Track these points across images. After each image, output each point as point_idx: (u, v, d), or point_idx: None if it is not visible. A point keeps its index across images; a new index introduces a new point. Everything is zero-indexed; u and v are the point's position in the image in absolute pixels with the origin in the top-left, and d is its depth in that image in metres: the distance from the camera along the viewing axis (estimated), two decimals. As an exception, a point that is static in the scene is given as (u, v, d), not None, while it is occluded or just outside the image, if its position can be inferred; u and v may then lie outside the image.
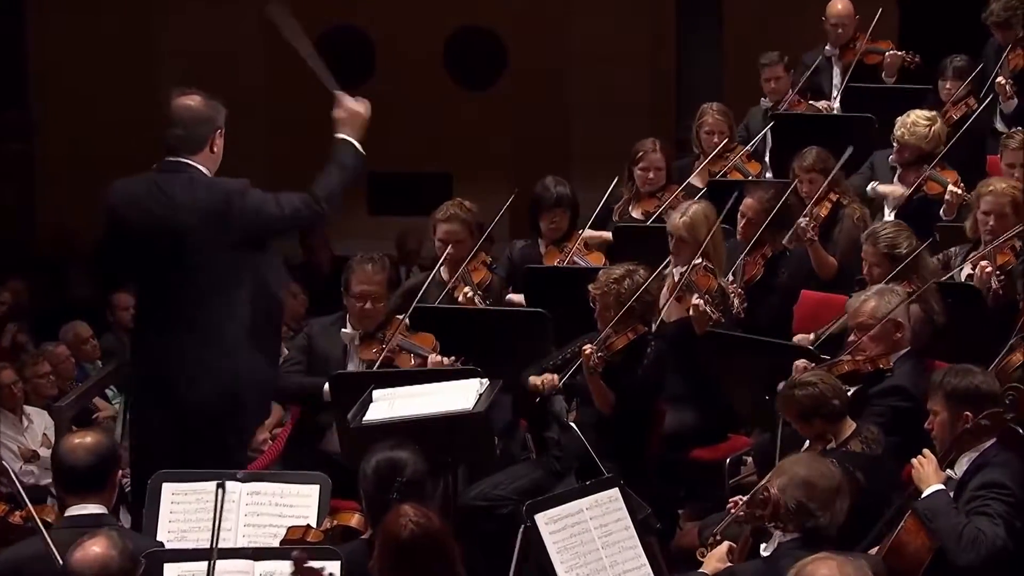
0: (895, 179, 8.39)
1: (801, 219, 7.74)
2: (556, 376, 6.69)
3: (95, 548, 4.56)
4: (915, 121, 8.27)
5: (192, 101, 6.22)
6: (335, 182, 6.21)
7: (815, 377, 6.04)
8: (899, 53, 9.53)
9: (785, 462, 5.34)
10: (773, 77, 9.70)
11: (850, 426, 5.97)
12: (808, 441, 5.99)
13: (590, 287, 6.72)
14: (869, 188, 8.44)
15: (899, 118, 8.34)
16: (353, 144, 6.29)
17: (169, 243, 6.04)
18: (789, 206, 7.81)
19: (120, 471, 5.29)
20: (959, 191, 7.98)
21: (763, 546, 5.30)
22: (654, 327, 6.94)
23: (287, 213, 6.12)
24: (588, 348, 6.56)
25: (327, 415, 6.66)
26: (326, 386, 6.67)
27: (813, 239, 7.73)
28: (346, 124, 6.32)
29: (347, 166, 6.27)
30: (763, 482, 5.26)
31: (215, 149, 6.21)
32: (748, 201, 7.73)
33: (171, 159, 6.14)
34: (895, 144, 8.32)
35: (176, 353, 6.06)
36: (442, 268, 7.47)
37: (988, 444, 5.60)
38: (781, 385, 6.14)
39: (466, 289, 7.29)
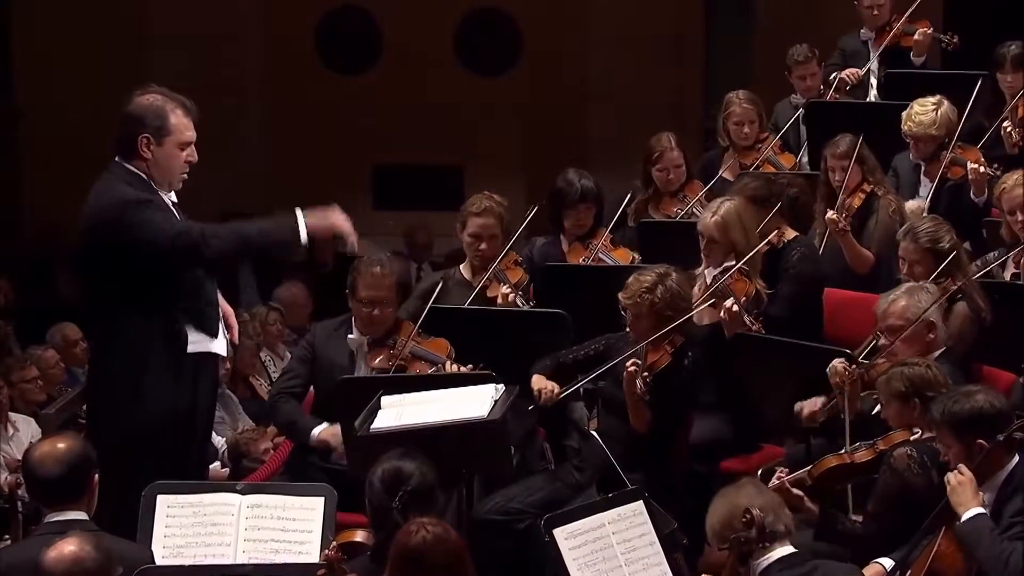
0: (921, 175, 8.38)
1: (830, 212, 7.76)
2: (556, 387, 6.64)
3: (69, 547, 4.68)
4: (918, 111, 8.26)
5: (134, 101, 6.12)
6: (237, 239, 6.12)
7: (924, 360, 6.10)
8: (930, 32, 9.47)
9: (718, 501, 5.45)
10: (808, 74, 9.61)
11: None
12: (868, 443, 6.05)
13: (620, 296, 6.64)
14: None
15: (904, 112, 8.33)
16: (296, 223, 6.02)
17: (80, 246, 6.14)
18: (796, 198, 7.83)
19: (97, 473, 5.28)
20: (981, 168, 7.99)
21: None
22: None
23: (167, 243, 5.93)
24: (632, 367, 6.44)
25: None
26: (315, 430, 6.71)
27: (845, 230, 7.75)
28: (315, 211, 6.11)
29: (265, 232, 6.15)
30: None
31: (145, 154, 6.04)
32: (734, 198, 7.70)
33: (115, 159, 6.15)
34: (908, 140, 8.32)
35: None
36: (463, 268, 7.47)
37: (1014, 463, 5.58)
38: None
39: (504, 289, 7.23)
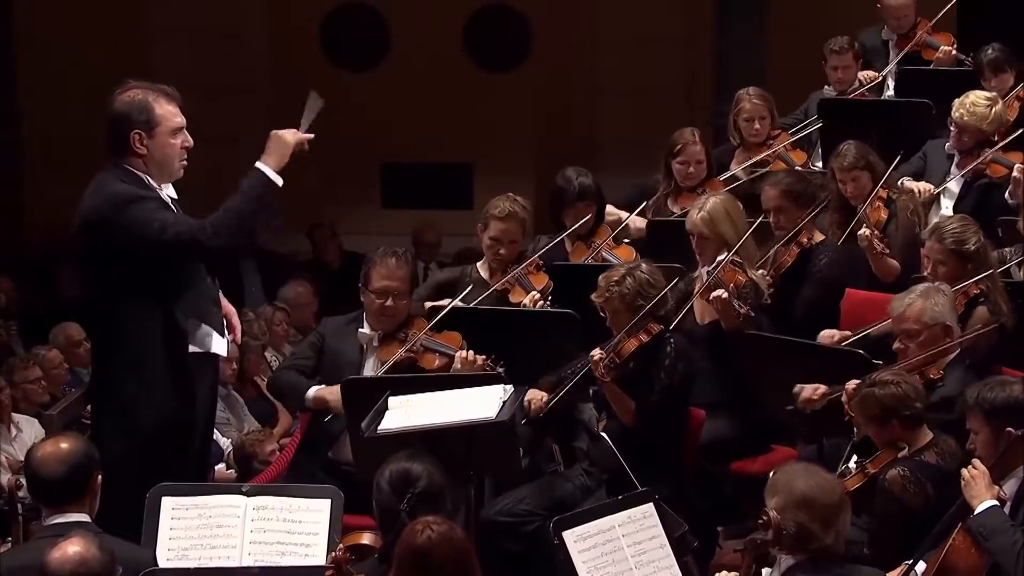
0: (952, 167, 8.40)
1: (863, 230, 7.71)
2: (545, 396, 6.69)
3: (74, 547, 4.72)
4: (975, 102, 8.30)
5: (117, 99, 6.14)
6: (232, 213, 6.16)
7: (895, 376, 6.07)
8: (953, 51, 9.52)
9: (779, 477, 5.31)
10: (841, 66, 9.59)
11: (927, 435, 6.00)
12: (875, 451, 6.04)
13: (593, 296, 6.72)
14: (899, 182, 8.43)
15: (956, 99, 8.35)
16: (262, 171, 6.22)
17: (76, 245, 6.18)
18: (822, 195, 7.83)
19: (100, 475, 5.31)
20: None
21: (766, 571, 5.32)
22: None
23: (166, 238, 5.98)
24: (597, 353, 6.57)
25: (337, 422, 6.72)
26: (310, 391, 6.77)
27: (884, 253, 7.70)
28: (267, 151, 6.33)
29: (247, 194, 6.20)
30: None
31: (140, 150, 6.07)
32: (768, 192, 7.75)
33: (110, 160, 6.17)
34: (952, 128, 8.34)
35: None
36: (480, 267, 7.51)
37: None
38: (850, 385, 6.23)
39: (534, 295, 7.26)
